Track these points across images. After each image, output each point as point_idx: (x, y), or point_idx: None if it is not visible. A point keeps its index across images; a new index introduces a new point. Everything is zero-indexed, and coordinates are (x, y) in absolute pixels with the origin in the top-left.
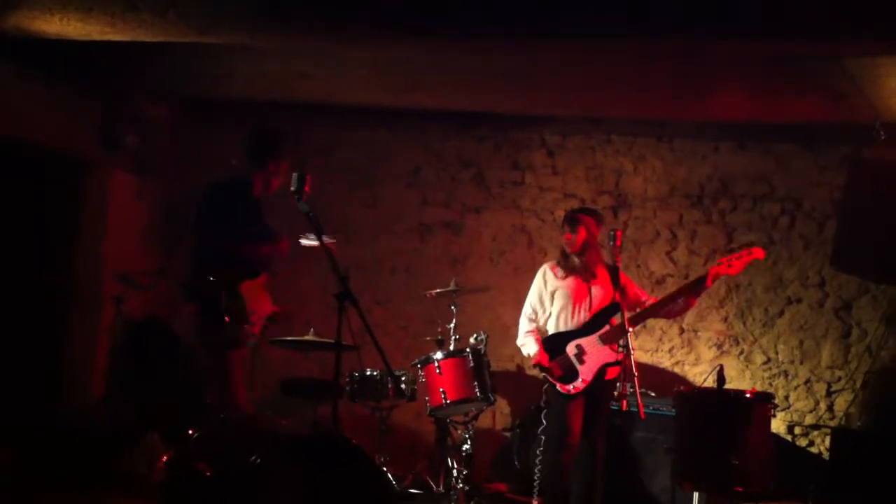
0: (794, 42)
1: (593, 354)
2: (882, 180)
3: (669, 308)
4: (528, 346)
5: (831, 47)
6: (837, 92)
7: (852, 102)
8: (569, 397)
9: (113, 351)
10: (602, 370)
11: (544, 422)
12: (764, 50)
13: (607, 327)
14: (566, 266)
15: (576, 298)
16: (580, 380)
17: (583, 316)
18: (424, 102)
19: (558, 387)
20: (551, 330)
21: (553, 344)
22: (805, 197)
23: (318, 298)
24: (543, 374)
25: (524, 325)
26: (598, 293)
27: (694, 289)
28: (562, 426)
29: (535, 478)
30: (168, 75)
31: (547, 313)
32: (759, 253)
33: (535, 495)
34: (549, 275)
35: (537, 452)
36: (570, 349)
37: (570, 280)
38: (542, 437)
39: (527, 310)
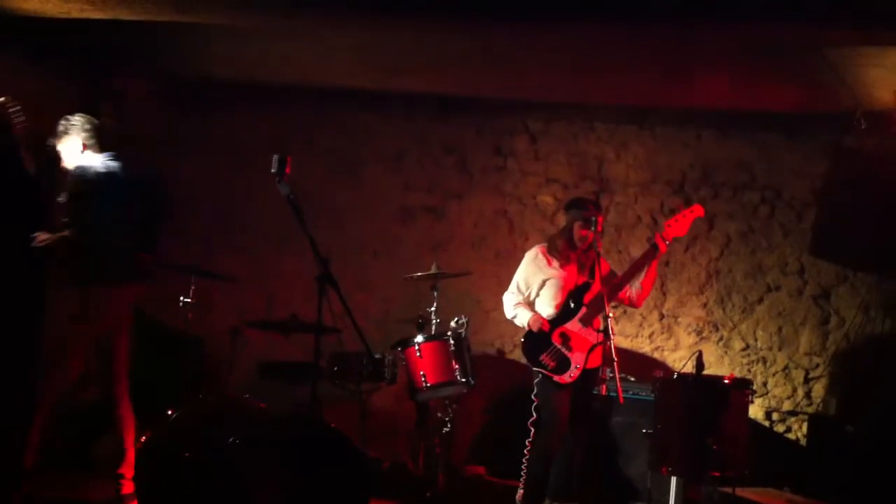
0: (777, 28)
1: (579, 339)
2: (862, 169)
3: (636, 284)
4: (521, 315)
5: (814, 34)
6: (819, 81)
7: (833, 92)
8: (561, 386)
9: None
10: (589, 353)
11: (534, 413)
12: (746, 35)
13: (584, 309)
14: (564, 256)
15: (567, 289)
16: (574, 367)
17: (560, 300)
18: (408, 86)
19: (555, 378)
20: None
21: (538, 337)
22: (785, 186)
23: (299, 281)
24: (537, 368)
25: (510, 299)
26: (579, 278)
27: (652, 256)
28: (553, 415)
29: (522, 465)
30: (149, 56)
31: (533, 297)
32: (699, 210)
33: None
34: (542, 261)
35: (527, 443)
36: (556, 339)
37: (565, 270)
38: (532, 429)
39: (512, 288)
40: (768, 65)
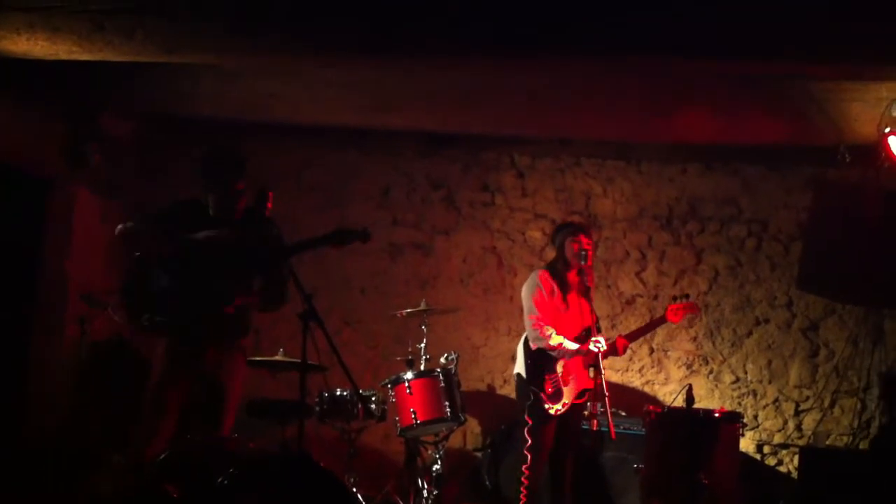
0: (758, 63)
1: (577, 377)
2: (847, 202)
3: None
4: (568, 342)
5: (795, 69)
6: (802, 115)
7: (817, 126)
8: (550, 417)
9: (78, 372)
10: (580, 394)
11: (528, 438)
12: (727, 69)
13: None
14: (565, 284)
15: (572, 316)
16: (563, 401)
17: (573, 335)
18: (394, 123)
19: (546, 405)
20: None
21: (547, 359)
22: (771, 219)
23: (287, 318)
24: (532, 387)
25: (546, 330)
26: (586, 311)
27: (610, 354)
28: (541, 445)
29: (520, 493)
30: (135, 94)
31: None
32: (694, 309)
33: None
34: (550, 284)
35: (524, 470)
36: (560, 368)
37: (570, 296)
38: (528, 455)
39: (534, 314)
40: (750, 100)
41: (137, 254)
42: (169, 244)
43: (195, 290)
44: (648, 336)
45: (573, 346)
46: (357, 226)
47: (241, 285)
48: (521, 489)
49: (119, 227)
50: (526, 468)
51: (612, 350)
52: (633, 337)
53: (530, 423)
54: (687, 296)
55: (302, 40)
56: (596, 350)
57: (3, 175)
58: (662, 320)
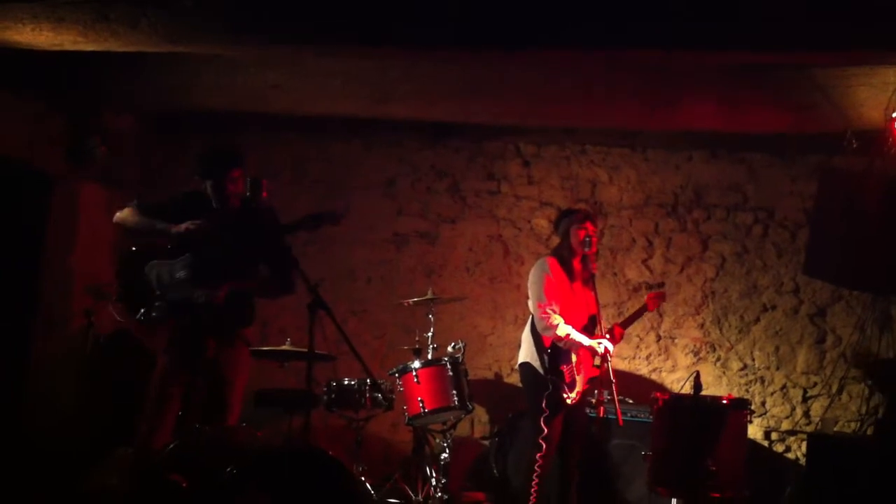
0: (762, 53)
1: (586, 365)
2: (853, 188)
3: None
4: (576, 334)
5: (799, 57)
6: (808, 102)
7: (823, 112)
8: (565, 406)
9: (83, 366)
10: (589, 381)
11: (544, 427)
12: (732, 60)
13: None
14: (572, 271)
15: (578, 303)
16: (577, 390)
17: (581, 323)
18: (398, 113)
19: (565, 394)
20: None
21: (562, 349)
22: (777, 206)
23: (294, 308)
24: (552, 376)
25: (554, 318)
26: (591, 299)
27: (640, 315)
28: (555, 433)
29: (533, 482)
30: (137, 88)
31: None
32: (663, 298)
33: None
34: (559, 271)
35: (538, 458)
36: (574, 357)
37: (576, 284)
38: (544, 444)
39: (543, 301)
40: (755, 88)
41: (133, 248)
42: (160, 236)
43: (187, 280)
44: (655, 324)
45: (582, 339)
46: (345, 212)
47: (233, 273)
48: (535, 478)
49: (116, 214)
50: (541, 457)
51: (612, 339)
52: (625, 324)
53: (547, 412)
54: (661, 284)
55: (306, 31)
56: (601, 353)
57: (5, 170)
58: (645, 308)
